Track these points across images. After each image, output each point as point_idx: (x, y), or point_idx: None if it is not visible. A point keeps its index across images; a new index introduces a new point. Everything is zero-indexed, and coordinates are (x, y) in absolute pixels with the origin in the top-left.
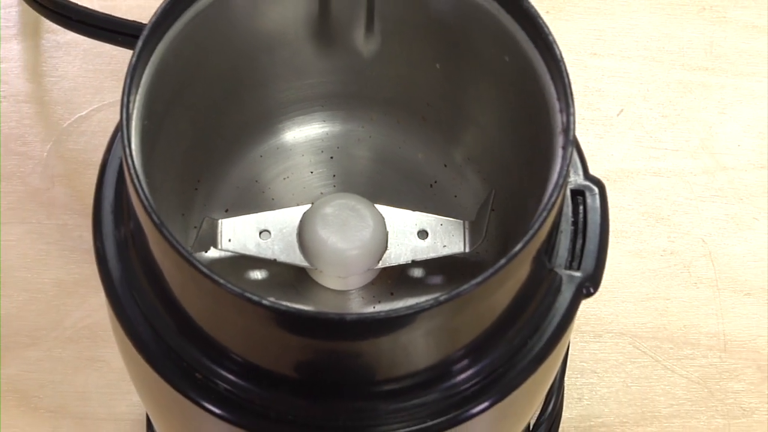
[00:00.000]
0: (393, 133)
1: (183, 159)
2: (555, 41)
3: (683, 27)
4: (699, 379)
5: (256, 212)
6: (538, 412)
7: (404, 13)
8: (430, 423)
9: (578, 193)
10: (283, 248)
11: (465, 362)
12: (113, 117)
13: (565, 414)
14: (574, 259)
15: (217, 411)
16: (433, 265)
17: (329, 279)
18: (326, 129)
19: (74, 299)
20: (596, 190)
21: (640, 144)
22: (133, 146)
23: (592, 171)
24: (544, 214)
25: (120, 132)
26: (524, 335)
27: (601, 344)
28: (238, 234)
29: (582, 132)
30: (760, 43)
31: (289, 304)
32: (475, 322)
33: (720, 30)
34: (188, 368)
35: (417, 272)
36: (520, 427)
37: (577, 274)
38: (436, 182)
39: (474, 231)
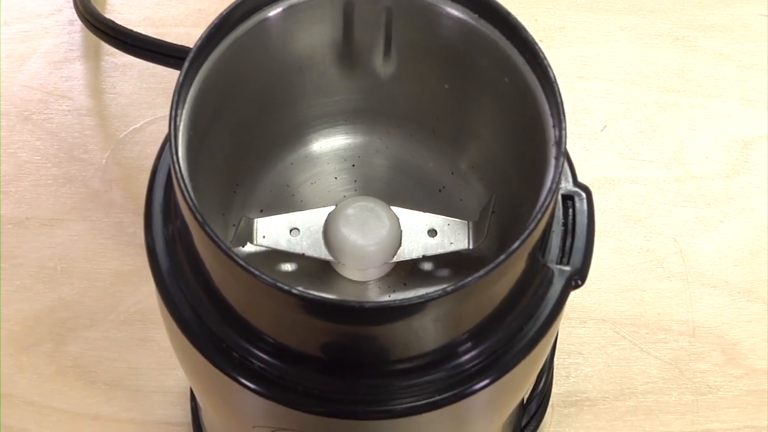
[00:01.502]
0: (407, 144)
1: (224, 165)
2: (549, 65)
3: (659, 54)
4: (671, 360)
5: (287, 212)
6: (531, 388)
7: (417, 40)
8: (438, 397)
9: (568, 198)
10: (310, 244)
11: (468, 345)
12: (163, 129)
13: (555, 390)
14: (564, 255)
15: (251, 386)
16: (441, 259)
17: (350, 271)
18: (349, 141)
19: (128, 287)
20: (584, 195)
21: (621, 156)
22: (180, 154)
23: (580, 179)
24: (539, 216)
25: (168, 142)
26: (520, 322)
27: (586, 329)
28: (271, 231)
29: (570, 145)
30: (726, 69)
31: (315, 293)
32: (477, 309)
33: (691, 57)
34: (227, 348)
35: (427, 266)
36: (516, 402)
37: (567, 268)
38: (444, 188)
39: (477, 230)
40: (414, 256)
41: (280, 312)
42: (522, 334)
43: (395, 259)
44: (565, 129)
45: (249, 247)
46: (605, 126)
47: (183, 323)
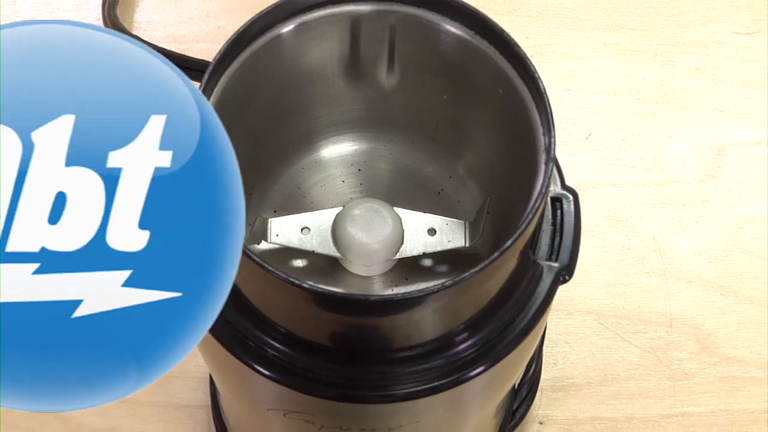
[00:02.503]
0: (408, 150)
1: (240, 169)
2: (540, 78)
3: (639, 68)
4: (650, 349)
5: (299, 213)
6: (522, 375)
7: (419, 55)
8: (436, 383)
9: (557, 200)
10: (320, 242)
11: (465, 335)
12: None
13: (543, 376)
14: (553, 252)
15: (265, 372)
16: (440, 256)
17: (356, 267)
18: (355, 147)
19: None
20: (571, 197)
21: (604, 161)
22: None
23: (567, 182)
24: (530, 216)
25: None
26: (512, 314)
27: (572, 320)
28: (284, 230)
29: (558, 151)
30: (700, 82)
31: (324, 287)
32: (473, 302)
33: (668, 71)
34: (243, 338)
35: (427, 262)
36: (508, 387)
37: (555, 264)
38: (442, 190)
39: (473, 229)
40: (415, 253)
41: (292, 304)
42: (514, 325)
43: (398, 256)
44: (554, 137)
45: (263, 245)
46: (590, 134)
47: None
